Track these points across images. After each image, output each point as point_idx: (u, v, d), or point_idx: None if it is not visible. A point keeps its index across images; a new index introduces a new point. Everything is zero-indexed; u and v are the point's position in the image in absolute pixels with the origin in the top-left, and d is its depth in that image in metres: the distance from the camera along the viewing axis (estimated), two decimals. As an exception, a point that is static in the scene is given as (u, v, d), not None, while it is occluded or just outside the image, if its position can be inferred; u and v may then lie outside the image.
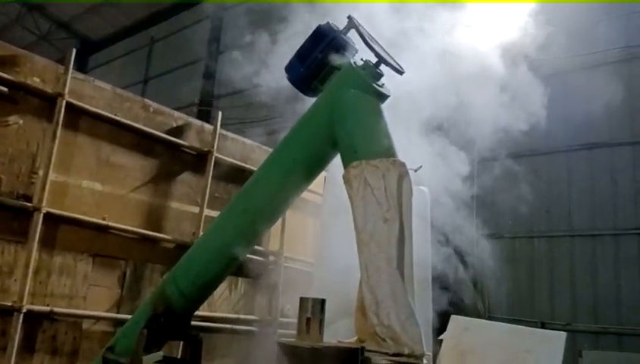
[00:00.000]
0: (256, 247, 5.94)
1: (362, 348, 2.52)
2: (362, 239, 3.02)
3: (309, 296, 2.66)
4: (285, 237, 6.31)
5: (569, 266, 7.64)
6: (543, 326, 7.19)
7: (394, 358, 2.72)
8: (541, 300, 7.63)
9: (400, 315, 2.81)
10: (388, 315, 2.82)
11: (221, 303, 5.52)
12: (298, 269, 6.25)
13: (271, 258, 6.16)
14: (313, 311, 2.59)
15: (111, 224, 4.54)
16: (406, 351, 2.75)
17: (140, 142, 4.87)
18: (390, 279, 2.88)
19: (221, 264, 3.63)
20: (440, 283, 5.98)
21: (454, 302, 6.41)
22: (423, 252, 5.07)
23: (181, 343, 4.62)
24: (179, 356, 4.59)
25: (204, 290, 3.83)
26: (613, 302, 7.22)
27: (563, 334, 3.23)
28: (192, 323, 4.79)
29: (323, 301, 2.64)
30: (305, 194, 6.60)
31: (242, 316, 5.66)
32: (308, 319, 2.58)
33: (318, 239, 5.52)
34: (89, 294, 4.45)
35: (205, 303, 5.37)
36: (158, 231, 4.96)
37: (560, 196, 7.92)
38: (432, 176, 6.55)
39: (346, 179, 3.22)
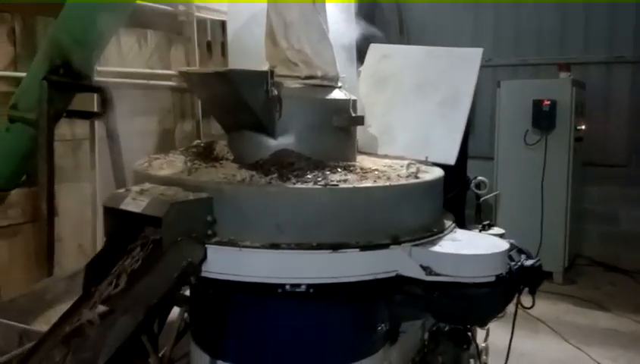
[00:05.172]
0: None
1: (272, 71, 2.37)
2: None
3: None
4: (195, -17, 5.74)
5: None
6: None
7: (307, 81, 2.62)
8: (465, 34, 7.58)
9: (311, 38, 2.63)
10: (299, 39, 2.64)
11: (133, 58, 5.16)
12: (213, 19, 5.82)
13: (181, 7, 5.65)
14: (213, 33, 2.35)
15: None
16: (319, 73, 2.63)
17: None
18: (299, -1, 2.63)
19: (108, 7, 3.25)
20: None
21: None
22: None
23: (95, 97, 4.41)
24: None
25: (98, 35, 3.49)
26: (533, 34, 7.31)
27: (479, 50, 3.18)
28: (105, 79, 4.53)
29: (223, 22, 2.40)
30: None
31: (158, 71, 5.37)
32: (208, 43, 2.36)
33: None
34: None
35: (116, 58, 5.03)
36: (42, -22, 4.33)
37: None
38: None
39: None
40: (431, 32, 7.79)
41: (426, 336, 2.90)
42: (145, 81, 5.19)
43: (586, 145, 6.66)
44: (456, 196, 3.50)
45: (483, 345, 3.23)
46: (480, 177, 4.14)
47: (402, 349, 2.64)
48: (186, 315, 2.55)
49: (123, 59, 5.05)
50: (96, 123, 4.58)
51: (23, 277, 4.30)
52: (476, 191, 4.13)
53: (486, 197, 4.65)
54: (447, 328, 3.01)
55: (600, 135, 6.86)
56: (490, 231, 3.48)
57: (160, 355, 2.73)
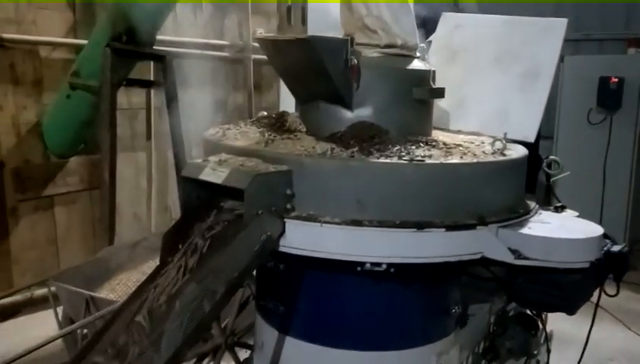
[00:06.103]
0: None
1: (352, 38, 2.24)
2: None
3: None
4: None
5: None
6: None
7: (386, 50, 2.49)
8: (524, 6, 7.24)
9: (391, 3, 2.50)
10: (378, 5, 2.50)
11: (188, 28, 5.10)
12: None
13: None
14: (293, -3, 2.24)
15: None
16: (399, 42, 2.50)
17: None
18: (378, -39, 2.48)
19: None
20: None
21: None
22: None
23: (151, 65, 4.36)
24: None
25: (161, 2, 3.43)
26: (596, 8, 6.93)
27: (564, 21, 2.97)
28: (159, 48, 4.48)
29: (304, -15, 2.28)
30: None
31: (211, 41, 5.30)
32: (289, 8, 2.24)
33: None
34: (38, 18, 3.99)
35: (170, 28, 4.96)
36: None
37: None
38: None
39: None
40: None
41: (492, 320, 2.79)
42: (199, 51, 5.13)
43: (652, 125, 6.32)
44: (528, 176, 3.33)
45: (548, 331, 3.10)
46: (552, 156, 3.94)
47: (471, 332, 2.55)
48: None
49: (178, 28, 4.99)
50: (152, 92, 4.55)
51: (80, 243, 4.34)
52: (548, 171, 3.93)
53: (557, 178, 4.44)
54: (512, 312, 2.89)
55: (668, 116, 6.49)
56: (564, 214, 3.31)
57: (222, 326, 2.69)
